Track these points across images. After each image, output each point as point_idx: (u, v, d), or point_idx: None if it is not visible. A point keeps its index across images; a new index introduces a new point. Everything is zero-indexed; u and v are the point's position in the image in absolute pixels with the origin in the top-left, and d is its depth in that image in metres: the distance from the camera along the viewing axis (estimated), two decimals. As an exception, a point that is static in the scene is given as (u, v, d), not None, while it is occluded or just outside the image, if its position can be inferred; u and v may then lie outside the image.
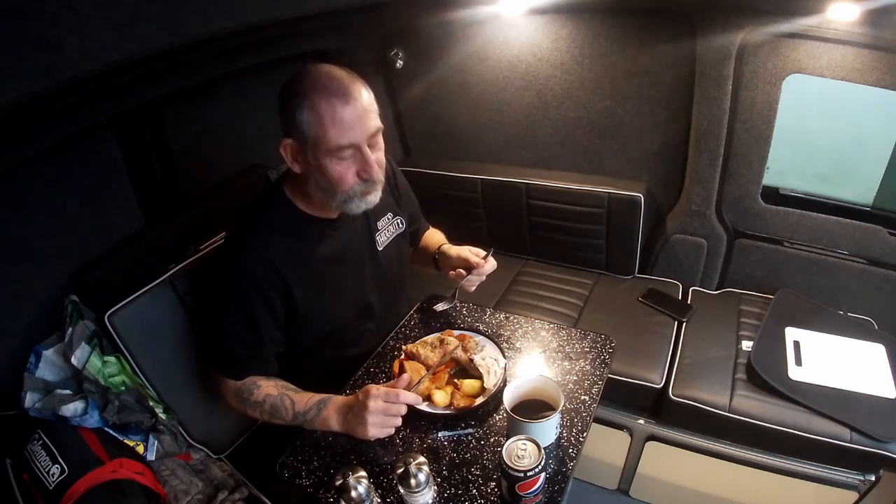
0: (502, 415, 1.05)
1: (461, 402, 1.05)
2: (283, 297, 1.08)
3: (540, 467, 0.83)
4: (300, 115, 0.94)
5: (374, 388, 0.98)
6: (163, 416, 1.24)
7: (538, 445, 0.85)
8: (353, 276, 1.18)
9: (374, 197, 1.06)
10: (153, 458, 1.21)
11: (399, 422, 0.99)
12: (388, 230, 1.25)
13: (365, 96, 0.98)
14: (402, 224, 1.29)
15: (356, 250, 1.17)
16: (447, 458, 0.98)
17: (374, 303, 1.23)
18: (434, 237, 1.44)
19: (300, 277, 1.07)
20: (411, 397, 1.00)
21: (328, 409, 1.02)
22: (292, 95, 0.95)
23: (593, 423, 1.04)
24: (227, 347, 1.09)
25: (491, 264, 1.25)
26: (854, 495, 1.42)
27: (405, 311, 1.36)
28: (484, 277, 1.25)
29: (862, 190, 1.90)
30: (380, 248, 1.22)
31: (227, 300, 1.05)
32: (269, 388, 1.08)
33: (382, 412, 0.97)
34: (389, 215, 1.25)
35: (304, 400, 1.05)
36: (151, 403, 1.24)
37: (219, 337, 1.09)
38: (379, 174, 1.02)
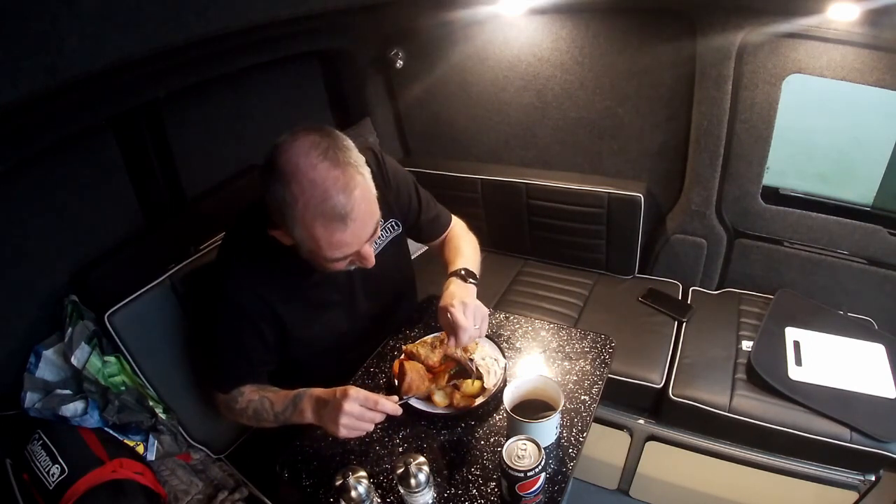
0: (502, 415, 1.05)
1: (461, 402, 1.05)
2: (273, 324, 1.07)
3: (540, 467, 0.82)
4: (294, 228, 0.88)
5: (354, 391, 0.93)
6: (163, 416, 1.24)
7: (538, 445, 0.85)
8: (341, 292, 1.15)
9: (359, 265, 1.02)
10: (153, 458, 1.21)
11: (371, 427, 0.95)
12: (378, 238, 1.14)
13: (364, 199, 0.88)
14: (398, 226, 1.21)
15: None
16: (447, 458, 0.98)
17: (367, 313, 1.21)
18: (448, 253, 1.28)
19: (288, 303, 1.07)
20: (389, 406, 0.94)
21: (303, 403, 1.01)
22: (281, 200, 0.85)
23: (593, 423, 1.04)
24: (216, 364, 1.11)
25: (464, 337, 1.05)
26: (854, 495, 1.42)
27: (408, 314, 1.35)
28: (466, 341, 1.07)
29: (862, 190, 1.90)
30: (368, 266, 1.13)
31: (216, 326, 1.06)
32: (250, 395, 1.09)
33: (356, 416, 0.92)
34: (380, 220, 1.15)
35: (280, 399, 1.05)
36: (151, 403, 1.24)
37: (208, 355, 1.11)
38: (372, 263, 0.99)
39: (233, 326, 1.05)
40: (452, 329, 1.05)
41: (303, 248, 0.93)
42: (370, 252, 0.97)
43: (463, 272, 1.18)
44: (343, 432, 0.93)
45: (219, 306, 1.05)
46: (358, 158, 0.89)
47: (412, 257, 1.40)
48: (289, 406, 1.03)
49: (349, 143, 0.90)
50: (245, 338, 1.06)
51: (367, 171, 0.90)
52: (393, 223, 1.21)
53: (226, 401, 1.12)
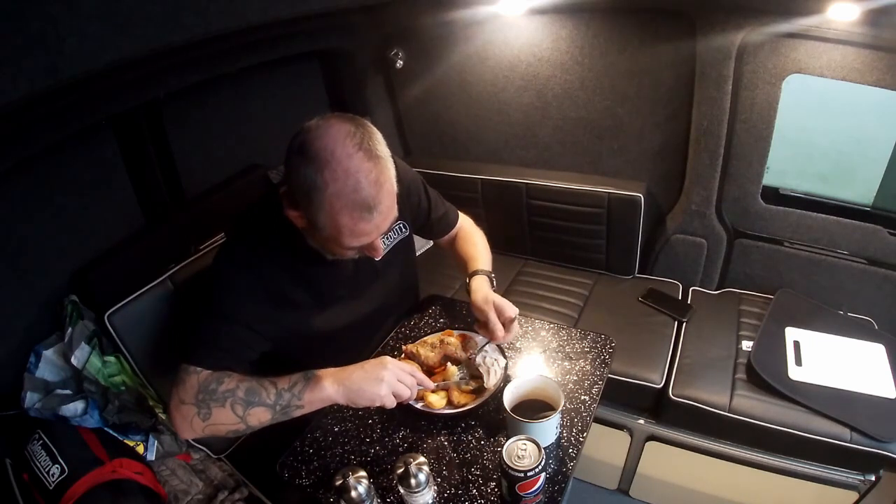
0: (502, 415, 1.05)
1: (461, 402, 1.05)
2: (271, 314, 1.03)
3: (540, 467, 0.83)
4: (316, 213, 0.87)
5: (388, 358, 0.99)
6: (163, 416, 1.24)
7: (538, 445, 0.85)
8: (346, 288, 1.14)
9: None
10: (153, 458, 1.21)
11: (410, 394, 0.98)
12: (386, 238, 1.17)
13: (390, 193, 0.90)
14: (405, 228, 1.22)
15: (351, 263, 1.12)
16: (447, 458, 0.98)
17: (369, 312, 1.20)
18: (467, 249, 1.31)
19: (295, 286, 1.05)
20: (421, 377, 1.02)
21: (318, 375, 0.97)
22: (310, 184, 0.85)
23: (593, 423, 1.04)
24: (205, 338, 0.98)
25: (513, 334, 1.13)
26: (854, 495, 1.42)
27: (409, 315, 1.35)
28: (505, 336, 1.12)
29: (862, 190, 1.90)
30: (376, 258, 1.14)
31: (213, 307, 0.99)
32: (241, 377, 0.98)
33: (398, 374, 0.97)
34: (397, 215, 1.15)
35: (285, 378, 0.97)
36: (151, 403, 1.24)
37: (198, 329, 0.99)
38: (381, 255, 1.03)
39: (230, 310, 0.98)
40: (494, 324, 1.10)
41: (319, 233, 0.92)
42: (380, 244, 0.99)
43: (491, 276, 1.22)
44: (384, 390, 0.94)
45: (221, 287, 0.99)
46: (387, 151, 0.90)
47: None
48: (298, 381, 0.96)
49: (379, 135, 0.91)
50: (239, 320, 0.99)
51: (392, 165, 0.91)
52: (401, 225, 1.21)
53: (203, 382, 0.94)
